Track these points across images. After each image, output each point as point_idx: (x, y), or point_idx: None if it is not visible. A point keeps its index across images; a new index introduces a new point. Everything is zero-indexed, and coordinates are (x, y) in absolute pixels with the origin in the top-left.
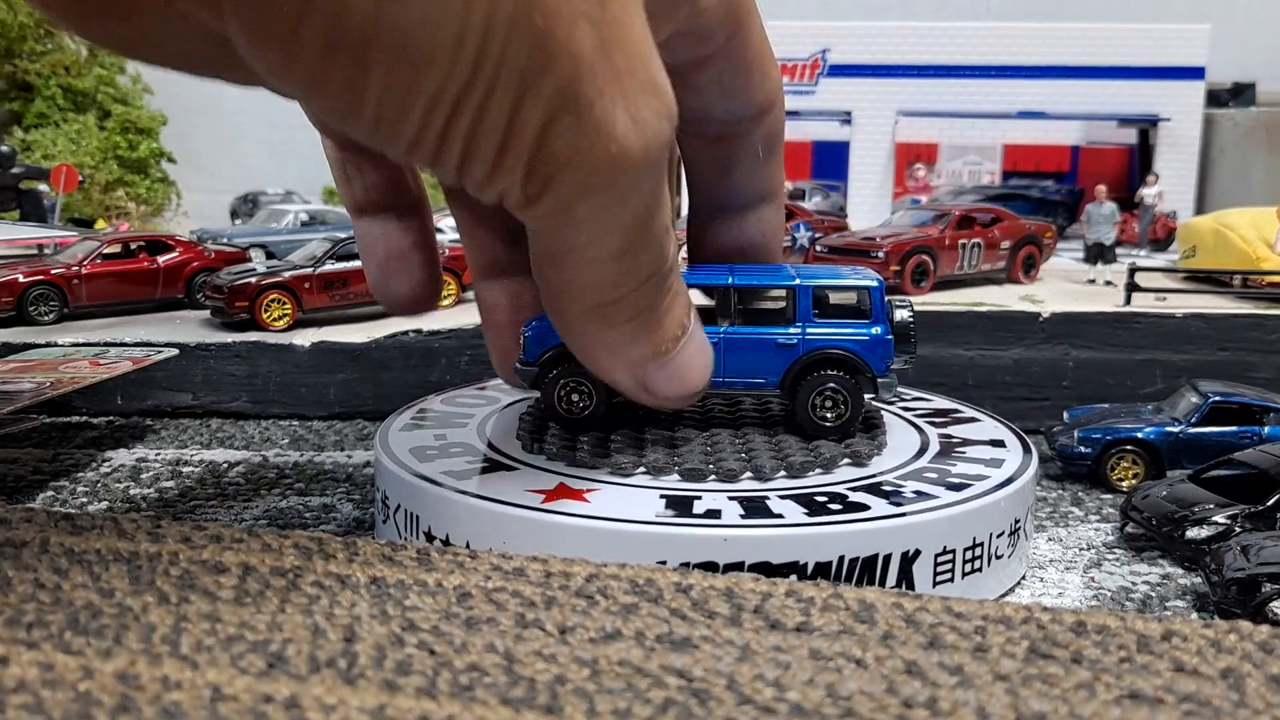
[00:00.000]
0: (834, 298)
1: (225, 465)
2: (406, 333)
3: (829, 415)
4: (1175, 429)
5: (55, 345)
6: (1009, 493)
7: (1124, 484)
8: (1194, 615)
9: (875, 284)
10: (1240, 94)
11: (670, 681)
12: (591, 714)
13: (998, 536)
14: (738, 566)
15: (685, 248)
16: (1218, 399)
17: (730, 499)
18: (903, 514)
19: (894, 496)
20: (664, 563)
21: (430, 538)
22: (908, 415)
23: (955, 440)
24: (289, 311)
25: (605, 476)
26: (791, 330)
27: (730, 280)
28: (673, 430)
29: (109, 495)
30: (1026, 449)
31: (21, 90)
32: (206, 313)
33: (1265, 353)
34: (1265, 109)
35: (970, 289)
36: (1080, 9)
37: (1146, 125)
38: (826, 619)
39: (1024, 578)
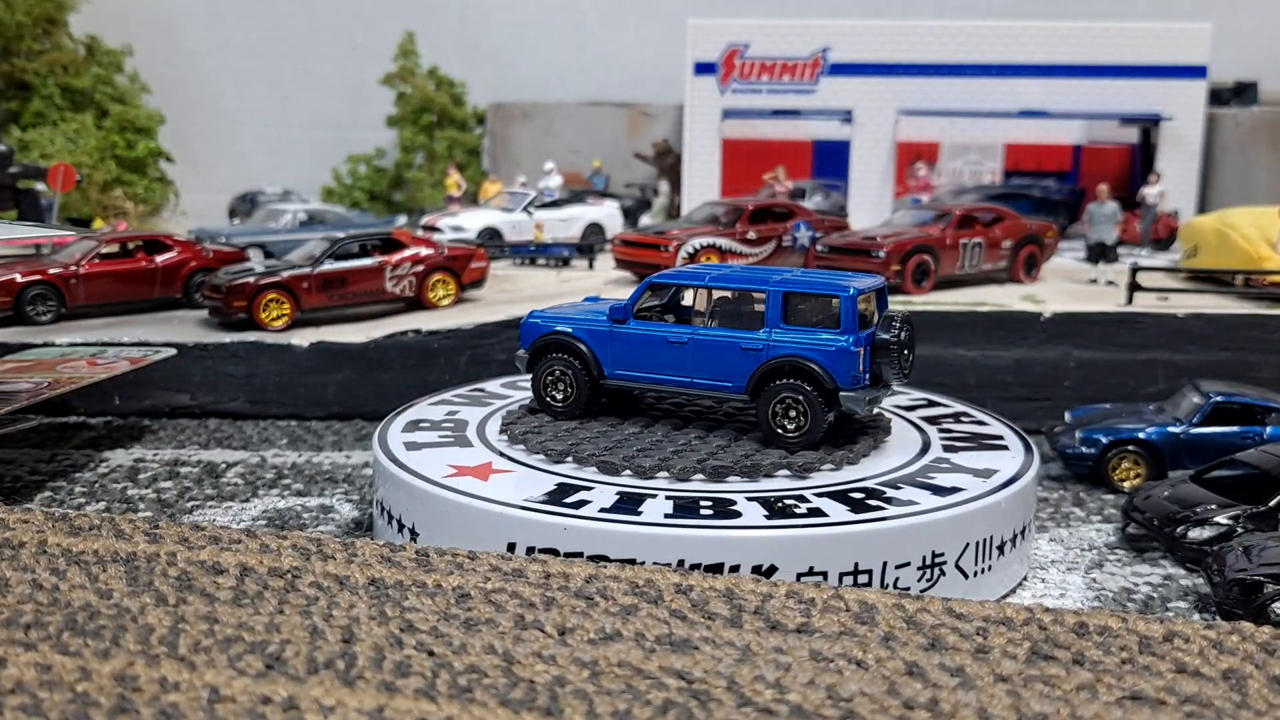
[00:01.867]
0: (806, 304)
1: (223, 465)
2: (405, 333)
3: (788, 425)
4: (1177, 429)
5: (52, 345)
6: (914, 523)
7: (1126, 484)
8: (1196, 616)
9: (847, 293)
10: (1243, 93)
11: (670, 683)
12: (591, 715)
13: (898, 566)
14: (576, 555)
15: (682, 248)
16: (1220, 399)
17: (617, 493)
18: (764, 527)
19: (784, 510)
20: (513, 545)
21: (380, 505)
22: (939, 435)
23: (944, 465)
24: (287, 311)
25: (536, 461)
26: (758, 335)
27: (706, 280)
28: (642, 426)
29: (107, 496)
30: (1013, 479)
31: (19, 89)
32: (204, 312)
33: (1267, 353)
34: (1268, 108)
35: (972, 289)
36: (1082, 7)
37: (1148, 124)
38: (827, 620)
39: (1025, 578)
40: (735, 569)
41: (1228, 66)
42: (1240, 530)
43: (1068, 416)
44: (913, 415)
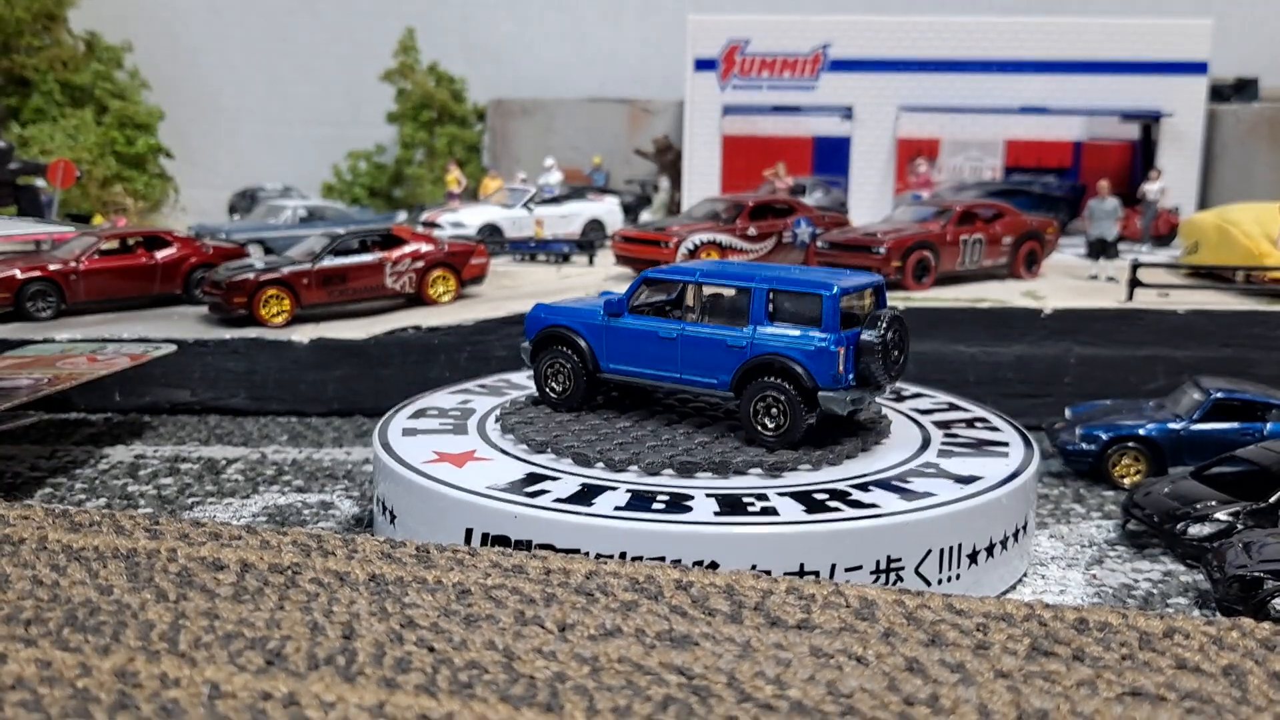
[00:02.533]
0: (790, 303)
1: (224, 462)
2: (405, 329)
3: (768, 424)
4: (1177, 426)
5: (53, 341)
6: (864, 526)
7: (1126, 481)
8: (1196, 612)
9: (830, 292)
10: (1243, 89)
11: (670, 679)
12: (591, 711)
13: (849, 569)
14: (525, 545)
15: (682, 244)
16: (1220, 395)
17: (580, 484)
18: (708, 523)
19: (738, 507)
20: (471, 529)
21: (379, 500)
22: (943, 439)
23: (929, 469)
24: (287, 307)
25: (520, 450)
26: (742, 332)
27: (696, 276)
28: (634, 420)
29: (107, 492)
30: (990, 488)
31: (19, 85)
32: (204, 309)
33: (1268, 349)
34: (1268, 104)
35: (972, 285)
36: (1083, 3)
37: (1149, 120)
38: (827, 616)
39: (1026, 574)
40: (677, 562)
41: (1228, 63)
42: (1240, 526)
43: (1068, 413)
44: (928, 418)
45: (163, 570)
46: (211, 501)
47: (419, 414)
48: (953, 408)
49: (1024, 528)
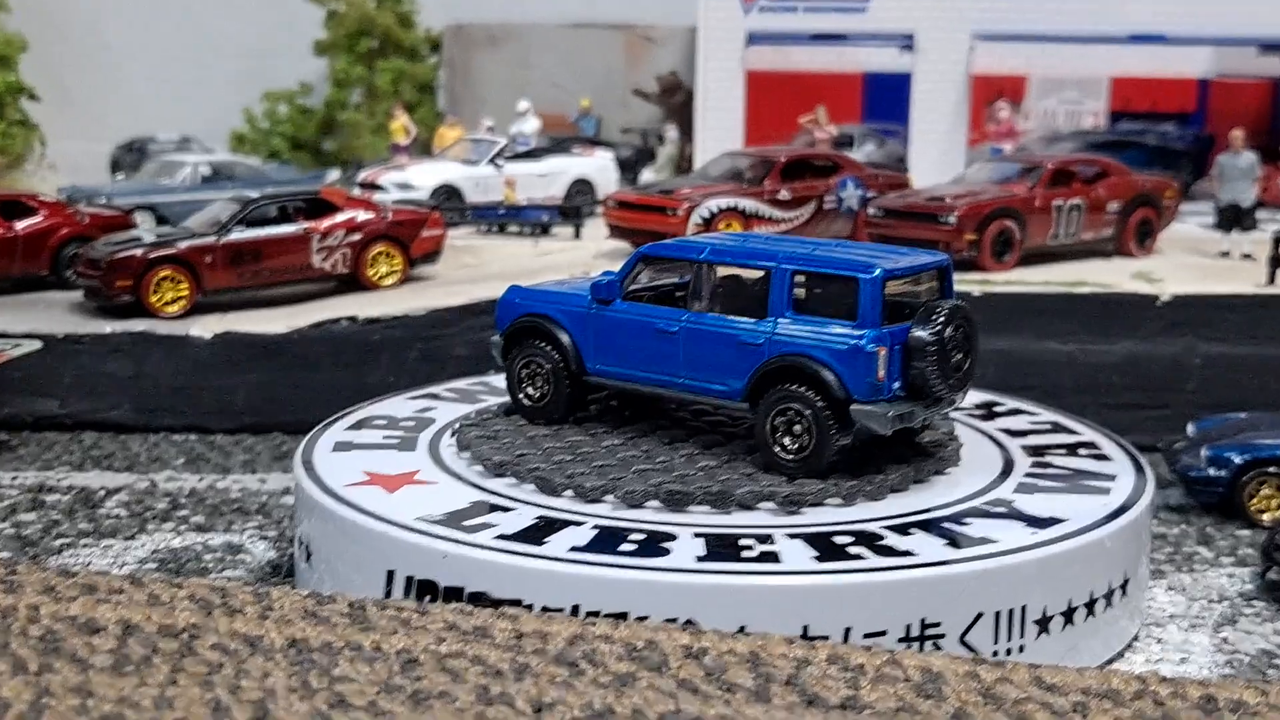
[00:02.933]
0: (821, 288)
1: (102, 492)
2: (338, 320)
3: (788, 444)
4: None
5: None
6: (886, 580)
7: (1266, 516)
8: None
9: (869, 274)
10: None
11: None
12: None
13: (869, 635)
14: (456, 593)
15: (691, 211)
16: None
17: (536, 518)
18: (686, 571)
19: (730, 551)
20: (393, 571)
21: (299, 538)
22: (1031, 468)
23: (998, 508)
24: (185, 293)
25: (474, 472)
26: (759, 326)
27: (705, 254)
28: (628, 438)
29: None
30: (1074, 533)
31: None
32: (79, 294)
33: None
34: None
35: (1068, 263)
36: None
37: None
38: (880, 693)
39: (1137, 638)
40: (643, 619)
41: None
42: None
43: (1191, 429)
44: (1017, 441)
45: (21, 634)
46: (86, 544)
47: (361, 424)
48: (1056, 429)
49: (1130, 580)
